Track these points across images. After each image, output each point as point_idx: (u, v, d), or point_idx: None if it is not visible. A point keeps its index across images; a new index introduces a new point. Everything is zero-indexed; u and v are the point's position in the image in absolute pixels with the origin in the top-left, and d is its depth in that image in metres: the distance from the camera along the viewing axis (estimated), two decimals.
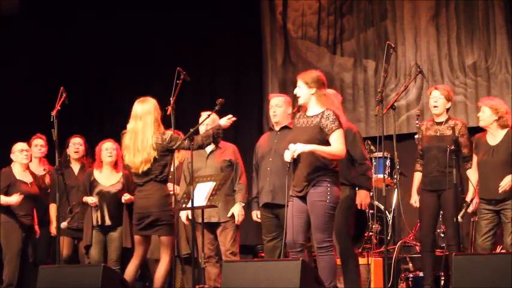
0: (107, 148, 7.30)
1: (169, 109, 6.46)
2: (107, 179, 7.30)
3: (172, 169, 6.60)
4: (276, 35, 10.30)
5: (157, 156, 6.07)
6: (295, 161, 5.60)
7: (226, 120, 6.28)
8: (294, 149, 5.50)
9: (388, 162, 7.72)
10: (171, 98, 6.48)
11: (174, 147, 6.11)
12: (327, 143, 5.58)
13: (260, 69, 10.38)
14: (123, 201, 7.14)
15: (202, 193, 6.01)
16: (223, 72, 10.48)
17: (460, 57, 9.11)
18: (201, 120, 6.66)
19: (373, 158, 7.88)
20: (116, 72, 10.67)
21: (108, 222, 7.18)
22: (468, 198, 6.68)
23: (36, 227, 7.60)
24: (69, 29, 10.67)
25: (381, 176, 7.55)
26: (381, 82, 6.38)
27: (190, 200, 5.99)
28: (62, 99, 6.86)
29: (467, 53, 9.08)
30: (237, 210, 6.67)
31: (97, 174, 7.31)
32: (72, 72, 10.54)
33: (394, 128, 6.35)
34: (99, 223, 7.18)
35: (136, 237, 6.25)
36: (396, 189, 7.76)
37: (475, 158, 6.56)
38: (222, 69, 10.49)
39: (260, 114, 10.15)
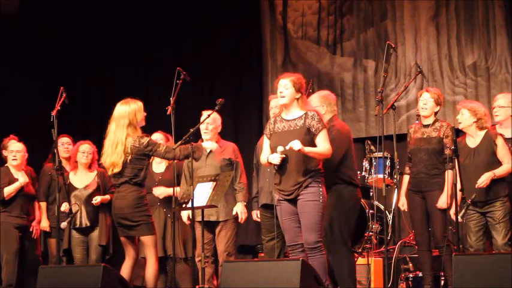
0: (83, 151, 7.40)
1: (169, 109, 6.45)
2: (81, 180, 7.40)
3: (164, 170, 6.63)
4: (276, 35, 10.30)
5: (131, 159, 6.08)
6: (282, 164, 5.60)
7: (210, 145, 6.46)
8: (293, 147, 5.47)
9: (388, 162, 7.71)
10: (171, 98, 6.48)
11: (150, 153, 6.12)
12: (313, 143, 5.60)
13: (260, 69, 10.38)
14: (93, 203, 7.22)
15: (202, 193, 6.00)
16: (223, 72, 10.48)
17: (460, 57, 9.11)
18: (202, 119, 6.65)
19: (373, 158, 7.88)
20: (116, 72, 10.66)
21: (86, 223, 7.28)
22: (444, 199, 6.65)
23: (37, 226, 7.60)
24: (69, 29, 10.66)
25: (380, 176, 7.54)
26: (381, 82, 6.39)
27: (190, 200, 5.99)
28: (62, 99, 6.86)
29: (467, 53, 9.08)
30: (239, 209, 6.67)
31: (72, 177, 7.41)
32: (72, 72, 10.54)
33: (394, 128, 6.34)
34: (77, 225, 7.26)
35: (122, 239, 6.28)
36: (396, 189, 7.75)
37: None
38: (222, 69, 10.49)
39: (260, 115, 10.15)
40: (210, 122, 6.65)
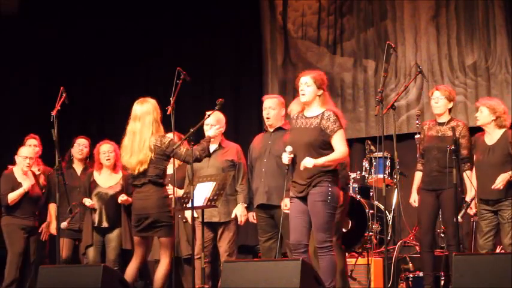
0: (104, 151, 7.29)
1: (169, 109, 6.45)
2: (106, 180, 7.30)
3: (172, 171, 6.62)
4: (276, 35, 10.30)
5: (153, 158, 6.04)
6: (293, 162, 5.59)
7: (214, 131, 6.36)
8: (305, 166, 5.45)
9: (388, 162, 7.72)
10: (171, 98, 6.47)
11: (170, 155, 6.09)
12: (328, 144, 5.57)
13: (260, 69, 10.38)
14: (119, 201, 7.12)
15: (202, 193, 6.00)
16: (223, 72, 10.48)
17: (460, 57, 9.11)
18: (206, 122, 6.63)
19: (373, 158, 7.88)
20: (116, 72, 10.67)
21: (105, 224, 7.19)
22: (468, 198, 6.68)
23: (45, 228, 7.59)
24: (69, 29, 10.67)
25: (380, 176, 7.55)
26: (381, 82, 6.39)
27: (191, 200, 5.98)
28: (62, 99, 6.86)
29: (467, 53, 9.08)
30: (239, 211, 6.65)
31: (96, 176, 7.31)
32: (72, 72, 10.54)
33: (394, 128, 6.35)
34: (96, 224, 7.19)
35: (136, 239, 6.24)
36: (396, 189, 7.76)
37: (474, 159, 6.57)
38: (222, 69, 10.50)
39: (260, 115, 10.10)
40: (214, 122, 6.64)
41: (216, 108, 6.17)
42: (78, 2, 10.51)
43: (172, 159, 6.24)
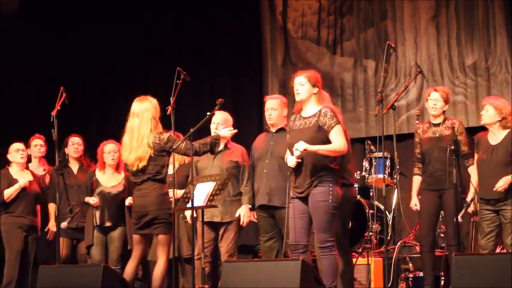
0: (109, 151, 7.29)
1: (169, 109, 6.45)
2: (109, 180, 7.30)
3: (172, 171, 6.62)
4: (276, 35, 10.30)
5: (152, 155, 6.06)
6: (298, 164, 5.59)
7: (227, 132, 6.33)
8: (298, 148, 5.47)
9: (388, 162, 7.72)
10: (171, 98, 6.47)
11: (170, 150, 6.10)
12: (328, 142, 5.57)
13: (260, 69, 10.38)
14: (126, 204, 7.12)
15: (202, 193, 6.00)
16: (223, 72, 10.48)
17: (460, 57, 9.11)
18: (213, 121, 6.62)
19: (373, 158, 7.88)
20: (116, 72, 10.67)
21: (107, 223, 7.18)
22: (468, 199, 6.68)
23: (51, 228, 7.59)
24: (69, 29, 10.67)
25: (380, 176, 7.54)
26: (381, 82, 6.38)
27: (191, 200, 5.98)
28: (62, 99, 6.86)
29: (467, 53, 9.08)
30: (243, 211, 6.63)
31: (99, 175, 7.31)
32: (72, 72, 10.55)
33: (394, 128, 6.34)
34: (99, 223, 7.18)
35: (135, 237, 6.24)
36: (396, 189, 7.76)
37: (475, 156, 6.55)
38: (222, 69, 10.50)
39: (260, 115, 10.13)
40: (220, 122, 6.64)
41: (216, 108, 6.17)
42: (78, 2, 10.51)
43: (171, 158, 6.24)
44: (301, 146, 5.47)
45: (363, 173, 7.96)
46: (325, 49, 9.98)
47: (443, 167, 6.48)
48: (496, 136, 6.44)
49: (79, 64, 10.66)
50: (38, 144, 7.84)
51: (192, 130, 6.04)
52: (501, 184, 6.26)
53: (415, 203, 6.76)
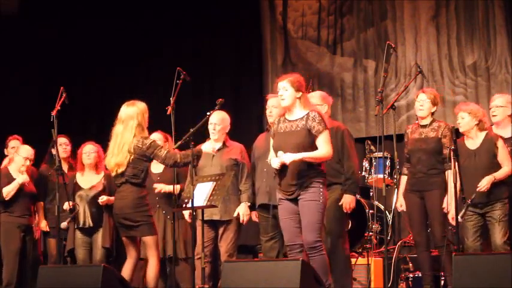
0: (86, 152, 7.36)
1: (169, 109, 6.45)
2: (88, 181, 7.36)
3: (162, 170, 6.61)
4: (276, 35, 10.30)
5: (132, 160, 6.07)
6: (282, 165, 5.59)
7: (209, 148, 6.33)
8: (283, 160, 5.48)
9: (388, 162, 7.73)
10: (171, 98, 6.47)
11: (151, 156, 6.10)
12: (314, 145, 5.58)
13: (260, 69, 10.39)
14: (99, 201, 7.16)
15: (202, 193, 6.00)
16: (223, 72, 10.48)
17: (460, 57, 9.11)
18: (210, 121, 6.61)
19: (373, 158, 7.88)
20: (116, 72, 10.67)
21: (89, 223, 7.23)
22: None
23: (42, 226, 7.60)
24: (69, 29, 10.67)
25: (380, 176, 7.55)
26: (381, 82, 6.39)
27: (191, 200, 5.98)
28: (62, 99, 6.87)
29: (467, 53, 9.09)
30: (242, 209, 6.64)
31: (79, 177, 7.38)
32: (72, 72, 10.54)
33: (394, 128, 6.35)
34: (81, 225, 7.23)
35: (123, 239, 6.28)
36: (396, 189, 7.75)
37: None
38: (222, 69, 10.50)
39: (260, 115, 10.14)
40: (218, 122, 6.64)
41: (216, 108, 6.17)
42: (78, 2, 10.51)
43: (150, 163, 6.25)
44: (287, 159, 5.48)
45: (363, 173, 7.96)
46: (325, 49, 9.98)
47: (425, 168, 6.48)
48: (474, 140, 6.43)
49: (79, 64, 10.66)
50: (15, 146, 7.85)
51: (192, 130, 6.03)
52: (484, 183, 6.24)
53: (400, 204, 6.74)
